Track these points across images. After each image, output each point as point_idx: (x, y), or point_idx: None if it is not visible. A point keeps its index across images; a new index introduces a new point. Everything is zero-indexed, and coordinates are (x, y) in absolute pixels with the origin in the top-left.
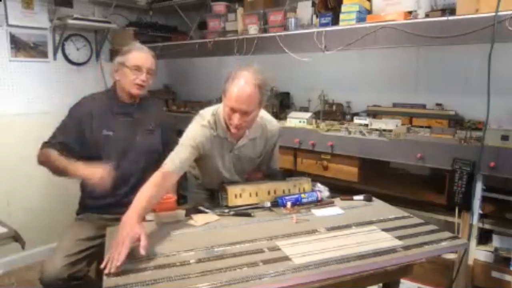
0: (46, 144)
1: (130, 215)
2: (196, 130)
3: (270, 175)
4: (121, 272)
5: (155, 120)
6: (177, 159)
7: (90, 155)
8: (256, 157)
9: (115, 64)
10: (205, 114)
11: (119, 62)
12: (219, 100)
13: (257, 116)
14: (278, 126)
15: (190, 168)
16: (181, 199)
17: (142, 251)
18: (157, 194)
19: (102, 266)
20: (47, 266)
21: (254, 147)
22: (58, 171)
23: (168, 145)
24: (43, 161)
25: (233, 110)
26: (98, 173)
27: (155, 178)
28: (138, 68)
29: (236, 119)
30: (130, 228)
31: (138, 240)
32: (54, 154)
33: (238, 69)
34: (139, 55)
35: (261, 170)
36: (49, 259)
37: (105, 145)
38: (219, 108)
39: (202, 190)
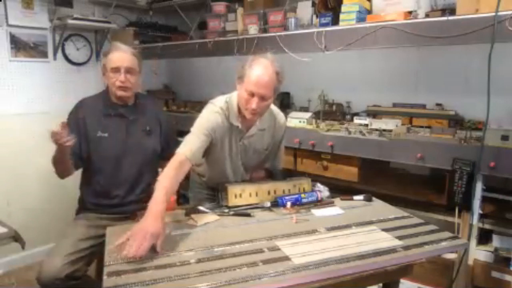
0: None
1: (155, 206)
2: (209, 117)
3: (272, 175)
4: (121, 271)
5: (154, 121)
6: (191, 147)
7: (88, 157)
8: (263, 150)
9: (102, 67)
10: (217, 102)
11: (103, 65)
12: None
13: (270, 104)
14: (285, 120)
15: (195, 165)
16: (181, 199)
17: (158, 249)
18: (177, 179)
19: (124, 253)
20: (45, 265)
21: (262, 139)
22: (56, 162)
23: (169, 145)
24: (55, 169)
25: (252, 94)
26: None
27: (173, 164)
28: (116, 69)
29: (254, 103)
30: (152, 224)
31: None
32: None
33: (256, 56)
34: (116, 55)
35: (265, 168)
36: (47, 259)
37: (100, 146)
38: (232, 96)
39: (205, 189)
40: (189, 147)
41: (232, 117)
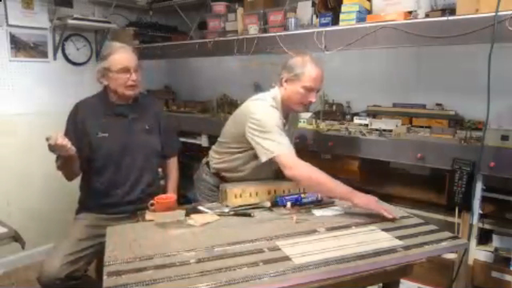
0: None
1: (348, 189)
2: (272, 112)
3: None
4: (121, 271)
5: (153, 119)
6: (284, 145)
7: (89, 158)
8: None
9: (99, 70)
10: (266, 98)
11: (103, 68)
12: (219, 100)
13: None
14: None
15: (219, 165)
16: (181, 199)
17: (390, 216)
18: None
19: (388, 216)
20: (45, 265)
21: (289, 131)
22: (64, 168)
23: (168, 144)
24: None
25: (311, 90)
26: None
27: (305, 163)
28: (126, 70)
29: (313, 97)
30: (367, 196)
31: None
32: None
33: (303, 55)
34: (124, 56)
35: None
36: (47, 259)
37: (101, 147)
38: (275, 92)
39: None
40: (283, 145)
41: (280, 111)
